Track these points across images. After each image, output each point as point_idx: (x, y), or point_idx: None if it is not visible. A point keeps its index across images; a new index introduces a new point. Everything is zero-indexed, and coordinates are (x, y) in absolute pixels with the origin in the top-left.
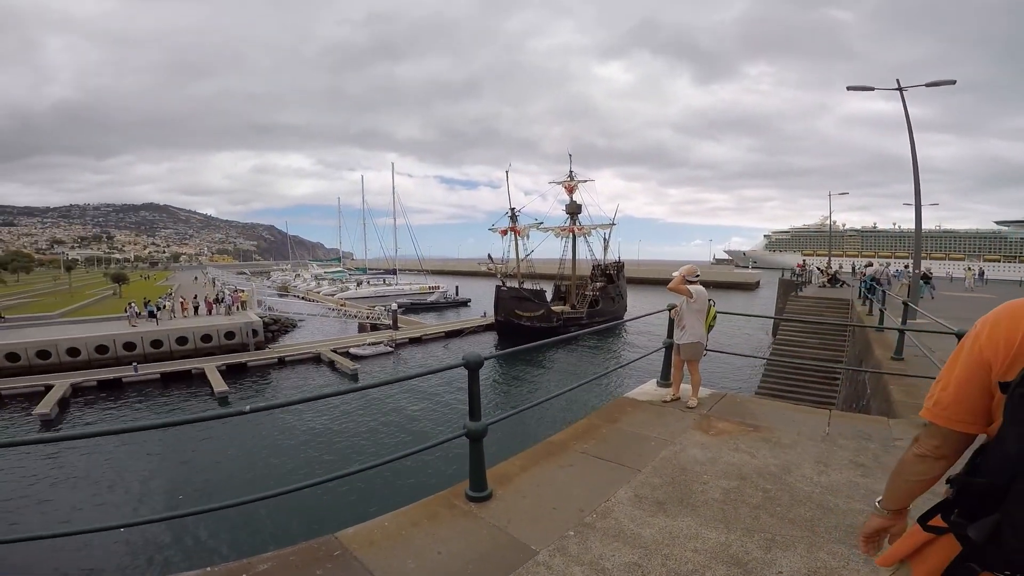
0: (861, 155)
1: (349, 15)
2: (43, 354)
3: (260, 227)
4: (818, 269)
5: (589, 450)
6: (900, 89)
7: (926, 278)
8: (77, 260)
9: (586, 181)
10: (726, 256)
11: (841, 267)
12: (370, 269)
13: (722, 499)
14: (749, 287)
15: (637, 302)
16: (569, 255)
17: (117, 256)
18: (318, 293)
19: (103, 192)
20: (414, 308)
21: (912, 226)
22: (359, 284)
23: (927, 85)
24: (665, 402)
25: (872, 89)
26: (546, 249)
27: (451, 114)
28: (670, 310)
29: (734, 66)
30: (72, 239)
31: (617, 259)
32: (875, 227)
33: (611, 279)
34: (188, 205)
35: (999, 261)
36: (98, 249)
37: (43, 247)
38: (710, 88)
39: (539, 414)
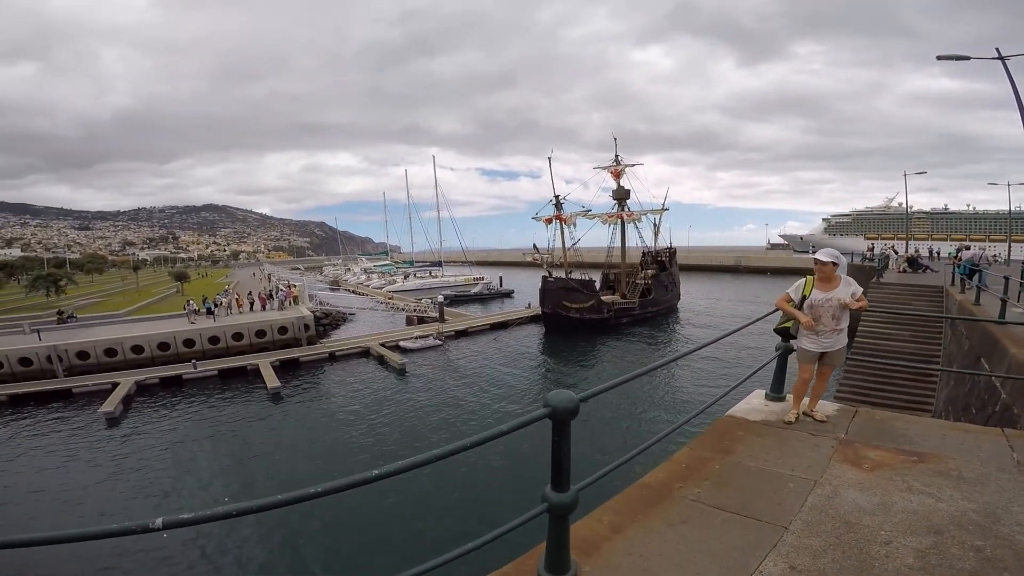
0: (926, 135)
1: (383, 14)
2: (110, 352)
3: (312, 224)
4: (894, 252)
5: (704, 497)
6: (1002, 59)
7: None
8: (146, 260)
9: (634, 165)
10: (781, 241)
11: (918, 251)
12: (417, 262)
13: (919, 566)
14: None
15: (691, 290)
16: (618, 243)
17: (182, 255)
18: (367, 286)
19: (167, 195)
20: (458, 299)
21: (989, 207)
22: (406, 277)
23: None
24: (789, 423)
25: (968, 59)
26: (593, 237)
27: (488, 106)
28: (801, 300)
29: (781, 46)
30: (141, 240)
31: (669, 245)
32: (946, 208)
33: (663, 266)
34: (245, 205)
35: None
36: (165, 249)
37: (116, 249)
38: (757, 69)
39: (608, 432)
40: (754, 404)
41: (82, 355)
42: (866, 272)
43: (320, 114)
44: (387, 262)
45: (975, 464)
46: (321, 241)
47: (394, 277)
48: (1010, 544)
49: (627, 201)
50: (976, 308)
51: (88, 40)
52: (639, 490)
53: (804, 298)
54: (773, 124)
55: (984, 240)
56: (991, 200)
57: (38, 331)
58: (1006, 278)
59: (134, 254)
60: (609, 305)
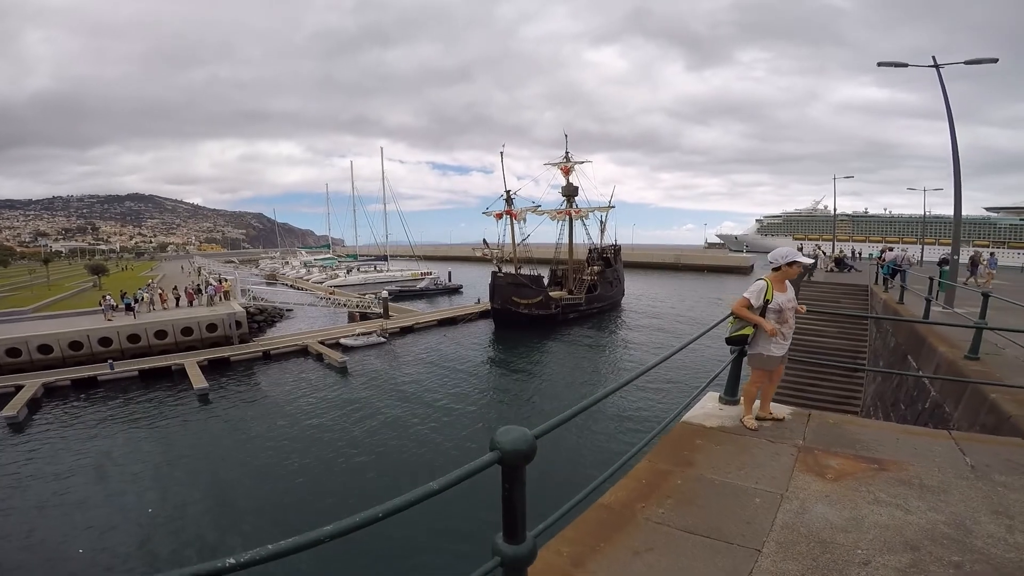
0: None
1: (338, 2)
2: (13, 352)
3: (249, 215)
4: (823, 252)
5: (669, 518)
6: (937, 67)
7: (945, 262)
8: (60, 252)
9: (583, 162)
10: (718, 240)
11: (842, 251)
12: (361, 256)
13: None
14: (743, 271)
15: (633, 286)
16: (566, 239)
17: (103, 247)
18: (307, 281)
19: (88, 183)
20: (403, 295)
21: (904, 211)
22: (349, 271)
23: (966, 63)
24: (750, 428)
25: (906, 66)
26: (541, 233)
27: (443, 100)
28: (762, 305)
29: (727, 52)
30: (56, 231)
31: (614, 242)
32: (866, 212)
33: (608, 263)
34: (174, 195)
35: (988, 247)
36: (83, 241)
37: (26, 240)
38: (703, 75)
39: (560, 454)
40: (709, 408)
41: None
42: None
43: (264, 101)
44: (329, 256)
45: (933, 471)
46: (258, 233)
47: (336, 271)
48: (987, 558)
49: (575, 198)
50: (900, 307)
51: (9, 20)
52: (598, 513)
53: (767, 303)
54: (714, 128)
55: (898, 242)
56: (906, 204)
57: None
58: (931, 279)
59: (47, 245)
60: (557, 301)
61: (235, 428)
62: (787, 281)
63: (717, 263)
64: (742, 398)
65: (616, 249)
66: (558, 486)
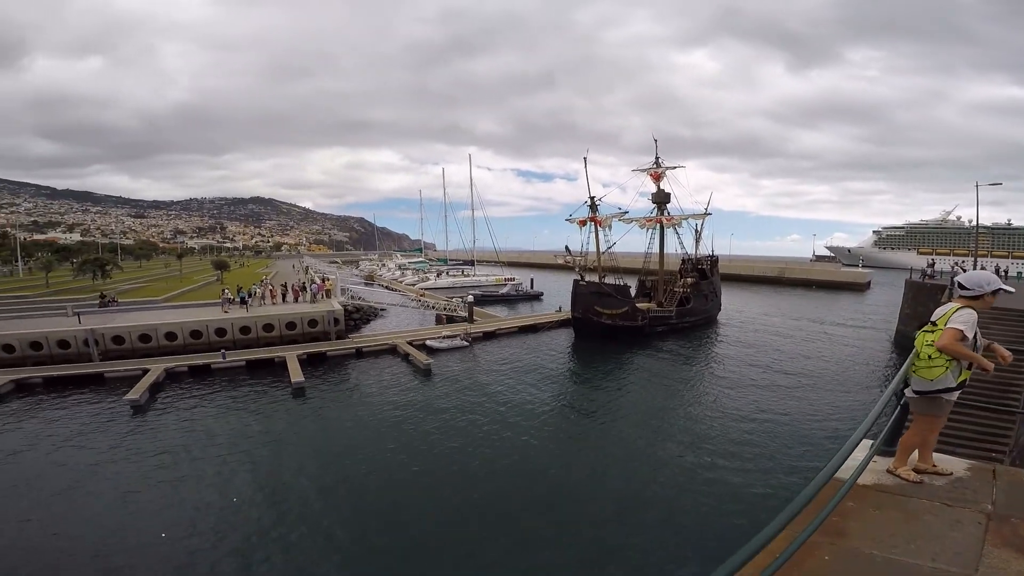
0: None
1: (424, 13)
2: (144, 338)
3: (352, 219)
4: (961, 269)
5: None
6: None
7: None
8: (194, 249)
9: (675, 168)
10: (828, 253)
11: (984, 268)
12: (450, 260)
13: None
14: (859, 288)
15: (731, 301)
16: (656, 248)
17: (228, 245)
18: (401, 283)
19: (218, 186)
20: (485, 299)
21: None
22: (439, 275)
23: None
24: (911, 481)
25: None
26: (629, 242)
27: (525, 107)
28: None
29: (834, 51)
30: (192, 229)
31: (711, 253)
32: (1009, 224)
33: (704, 275)
34: (289, 199)
35: None
36: (212, 239)
37: (168, 237)
38: (807, 75)
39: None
40: (860, 461)
41: (118, 340)
42: (928, 291)
43: (365, 112)
44: (421, 259)
45: None
46: (360, 236)
47: (427, 275)
48: None
49: (667, 205)
50: None
51: (149, 35)
52: None
53: (976, 336)
54: (823, 132)
55: None
56: None
57: (79, 314)
58: None
59: (183, 242)
60: (644, 312)
61: (325, 425)
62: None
63: (828, 278)
64: (898, 448)
65: (713, 260)
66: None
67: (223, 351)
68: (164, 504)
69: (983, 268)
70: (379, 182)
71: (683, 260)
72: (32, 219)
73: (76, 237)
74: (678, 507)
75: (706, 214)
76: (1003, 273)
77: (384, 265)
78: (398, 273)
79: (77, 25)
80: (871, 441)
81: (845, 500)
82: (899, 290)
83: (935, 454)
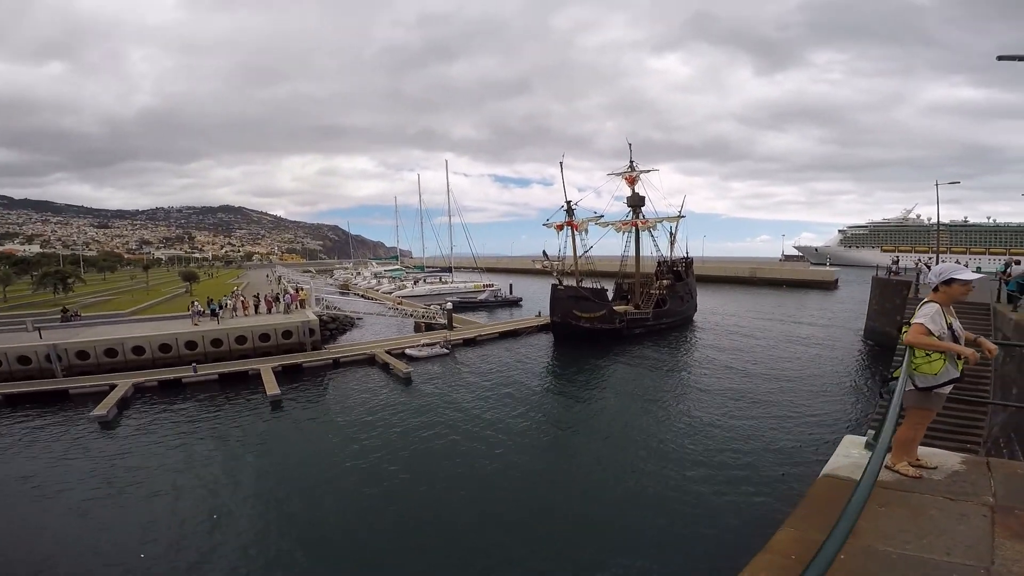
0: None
1: (402, 17)
2: (111, 352)
3: (325, 227)
4: (926, 266)
5: None
6: None
7: None
8: (160, 259)
9: (650, 171)
10: (796, 252)
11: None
12: (427, 267)
13: None
14: (827, 286)
15: (705, 301)
16: (631, 251)
17: (197, 256)
18: (377, 291)
19: (186, 195)
20: (464, 306)
21: (1012, 220)
22: (416, 282)
23: None
24: (910, 476)
25: None
26: (605, 246)
27: (502, 112)
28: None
29: (800, 55)
30: (158, 240)
31: (685, 255)
32: (966, 221)
33: (679, 276)
34: (260, 207)
35: None
36: (180, 249)
37: (133, 248)
38: (774, 79)
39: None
40: (855, 458)
41: (82, 355)
42: (894, 287)
43: (339, 117)
44: (397, 267)
45: None
46: (334, 244)
47: (404, 282)
48: None
49: (642, 208)
50: None
51: (116, 40)
52: None
53: (949, 328)
54: (789, 134)
55: (1005, 253)
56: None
57: (39, 329)
58: None
59: (150, 253)
60: (621, 315)
61: (303, 437)
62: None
63: (797, 277)
64: (893, 444)
65: (688, 262)
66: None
67: (194, 364)
68: (140, 522)
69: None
70: (353, 189)
71: (659, 262)
72: None
73: (35, 248)
74: (664, 511)
75: (680, 216)
76: (1001, 271)
77: (359, 273)
78: (374, 281)
79: (38, 29)
80: (857, 437)
81: (844, 497)
82: (866, 287)
83: (933, 450)
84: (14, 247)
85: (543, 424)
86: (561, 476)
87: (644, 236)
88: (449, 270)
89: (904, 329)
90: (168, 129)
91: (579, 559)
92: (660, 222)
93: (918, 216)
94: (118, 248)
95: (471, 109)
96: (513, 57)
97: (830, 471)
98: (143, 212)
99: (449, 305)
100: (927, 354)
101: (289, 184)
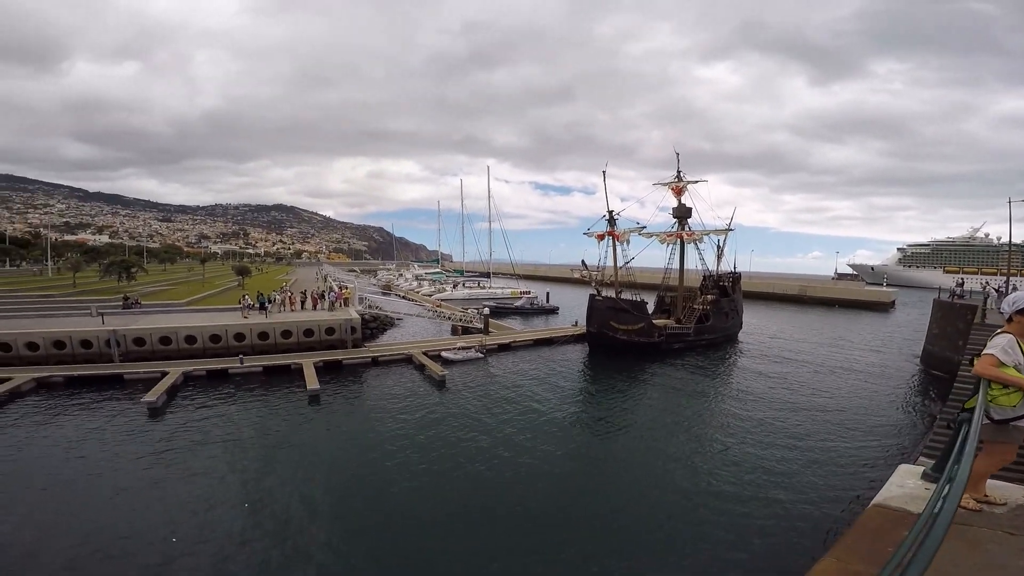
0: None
1: (447, 25)
2: (165, 340)
3: (371, 229)
4: (995, 291)
5: None
6: None
7: None
8: (217, 253)
9: (697, 182)
10: (850, 271)
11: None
12: (466, 272)
13: None
14: (883, 307)
15: (751, 319)
16: (675, 264)
17: (250, 251)
18: (417, 293)
19: (242, 193)
20: (500, 311)
21: None
22: (455, 286)
23: None
24: (971, 509)
25: None
26: (647, 257)
27: (544, 120)
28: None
29: (857, 64)
30: (215, 235)
31: (733, 269)
32: None
33: (725, 291)
34: (311, 207)
35: None
36: (235, 244)
37: (192, 241)
38: (830, 89)
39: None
40: (910, 488)
41: (139, 341)
42: (957, 312)
43: (387, 122)
44: (438, 270)
45: None
46: (378, 246)
47: (443, 285)
48: None
49: (688, 220)
50: None
51: (182, 42)
52: None
53: None
54: (847, 146)
55: None
56: None
57: (102, 314)
58: None
59: (207, 247)
60: (661, 329)
61: (338, 432)
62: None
63: (850, 297)
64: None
65: (735, 277)
66: None
67: (241, 356)
68: (176, 507)
69: (1015, 288)
70: (399, 192)
71: (704, 276)
72: (64, 220)
73: (105, 239)
74: (693, 532)
75: (728, 230)
76: None
77: (401, 275)
78: (415, 283)
79: (115, 29)
80: (913, 467)
81: (898, 529)
82: (926, 310)
83: (993, 482)
84: (86, 236)
85: (572, 434)
86: (587, 488)
87: (689, 249)
88: (487, 275)
89: (974, 359)
90: (228, 130)
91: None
92: (707, 235)
93: (987, 235)
94: (179, 241)
95: (513, 116)
96: (555, 65)
97: (882, 501)
98: (203, 208)
99: (486, 310)
100: (1004, 385)
101: (339, 186)
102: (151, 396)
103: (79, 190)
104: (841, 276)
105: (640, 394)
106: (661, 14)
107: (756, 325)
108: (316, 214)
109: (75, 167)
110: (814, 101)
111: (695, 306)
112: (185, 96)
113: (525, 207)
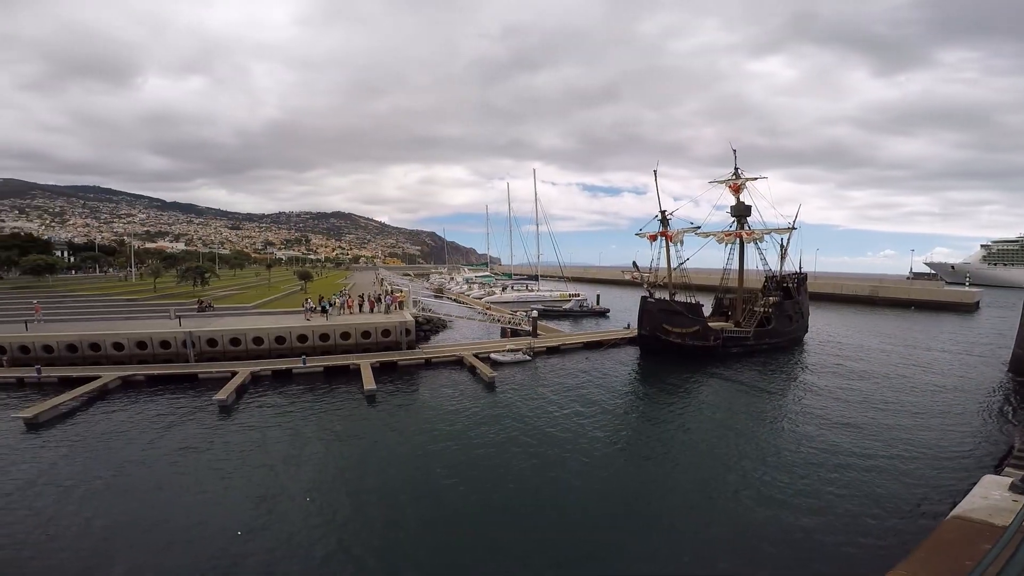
0: None
1: (486, 30)
2: (235, 341)
3: (424, 233)
4: None
5: None
6: None
7: None
8: (281, 259)
9: (756, 178)
10: (928, 270)
11: None
12: (515, 275)
13: None
14: (966, 308)
15: (818, 321)
16: (734, 264)
17: (311, 257)
18: (468, 296)
19: (303, 201)
20: (548, 314)
21: None
22: (504, 289)
23: None
24: None
25: None
26: (702, 258)
27: (590, 121)
28: None
29: (924, 54)
30: (280, 241)
31: (798, 269)
32: None
33: (789, 293)
34: (367, 213)
35: None
36: (298, 250)
37: (259, 248)
38: (895, 80)
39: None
40: (994, 499)
41: (211, 342)
42: None
43: (435, 128)
44: (487, 273)
45: None
46: (431, 250)
47: (493, 288)
48: None
49: (747, 219)
50: None
51: (240, 55)
52: None
53: None
54: (917, 139)
55: None
56: None
57: (179, 317)
58: None
59: (272, 253)
60: (717, 332)
61: (393, 431)
62: None
63: (928, 298)
64: None
65: (800, 278)
66: None
67: (304, 356)
68: (241, 499)
69: None
70: (449, 197)
71: (766, 277)
72: (145, 229)
73: (181, 246)
74: (745, 546)
75: (791, 228)
76: None
77: (452, 279)
78: (465, 286)
79: (178, 45)
80: (999, 478)
81: (977, 541)
82: (1015, 311)
83: None
84: (164, 244)
85: (619, 438)
86: (633, 495)
87: (749, 248)
88: (536, 278)
89: None
90: (289, 140)
91: None
92: (768, 233)
93: None
94: (247, 248)
95: (558, 118)
96: (598, 65)
97: (962, 513)
98: (268, 216)
99: (535, 313)
100: None
101: (393, 192)
102: (222, 394)
103: (157, 200)
104: (917, 275)
105: (692, 399)
106: (705, 10)
107: (823, 328)
108: (372, 220)
109: (153, 178)
110: (878, 93)
111: (756, 308)
112: (247, 107)
113: (572, 209)
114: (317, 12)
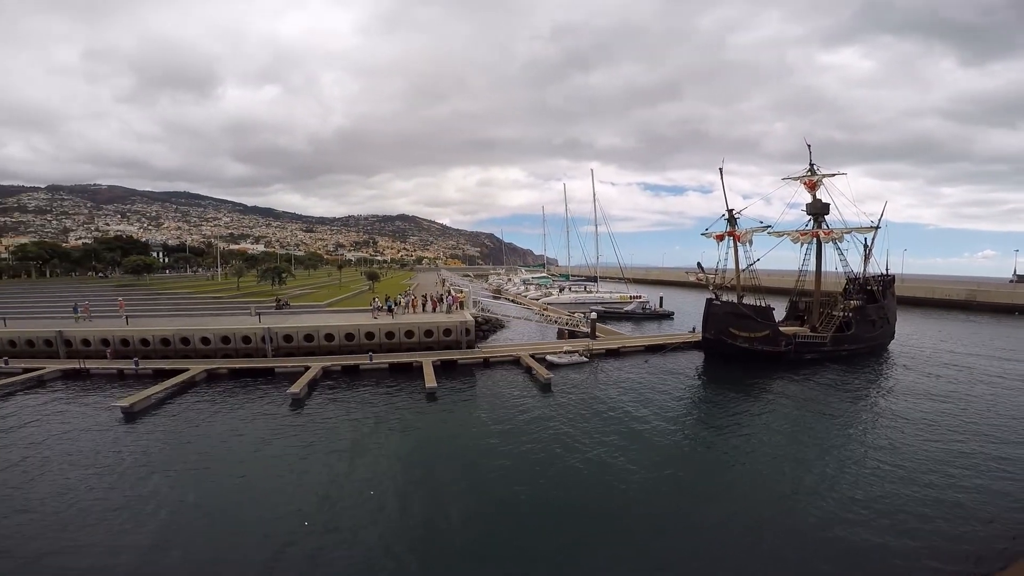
0: None
1: (538, 31)
2: (308, 337)
3: (483, 235)
4: None
5: None
6: None
7: None
8: (351, 260)
9: (834, 175)
10: None
11: None
12: (572, 276)
13: None
14: None
15: (906, 328)
16: (811, 265)
17: (378, 258)
18: (525, 297)
19: (371, 204)
20: (609, 315)
21: None
22: (561, 290)
23: None
24: None
25: None
26: (774, 259)
27: (650, 119)
28: None
29: (1018, 41)
30: (349, 243)
31: (885, 271)
32: None
33: (873, 296)
34: (430, 216)
35: None
36: (366, 252)
37: (331, 249)
38: (988, 69)
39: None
40: None
41: (287, 338)
42: None
43: (492, 130)
44: (544, 274)
45: None
46: (489, 251)
47: (550, 289)
48: None
49: (825, 217)
50: None
51: (310, 64)
52: None
53: None
54: (1020, 130)
55: None
56: None
57: (259, 314)
58: None
59: (342, 254)
60: (789, 337)
61: (452, 429)
62: None
63: None
64: None
65: (887, 280)
66: None
67: (370, 354)
68: (309, 490)
69: None
70: (507, 199)
71: (847, 280)
72: (229, 231)
73: (261, 248)
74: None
75: (875, 227)
76: None
77: (510, 279)
78: (522, 287)
79: (253, 56)
80: None
81: None
82: None
83: None
84: (246, 246)
85: (674, 446)
86: (686, 509)
87: (828, 249)
88: (594, 279)
89: None
90: (356, 145)
91: None
92: (848, 232)
93: None
94: (319, 250)
95: (616, 117)
96: (657, 62)
97: None
98: (339, 219)
99: (593, 315)
100: None
101: (453, 195)
102: (295, 388)
103: (239, 204)
104: (1021, 278)
105: (757, 408)
106: (767, 2)
107: (911, 335)
108: (434, 222)
109: (236, 183)
110: (970, 83)
111: (835, 312)
112: (319, 115)
113: (633, 209)
114: (378, 21)
